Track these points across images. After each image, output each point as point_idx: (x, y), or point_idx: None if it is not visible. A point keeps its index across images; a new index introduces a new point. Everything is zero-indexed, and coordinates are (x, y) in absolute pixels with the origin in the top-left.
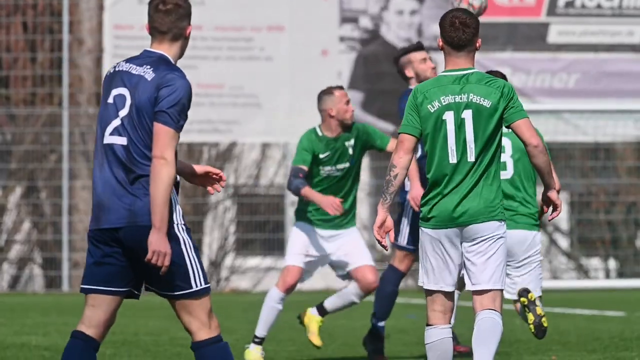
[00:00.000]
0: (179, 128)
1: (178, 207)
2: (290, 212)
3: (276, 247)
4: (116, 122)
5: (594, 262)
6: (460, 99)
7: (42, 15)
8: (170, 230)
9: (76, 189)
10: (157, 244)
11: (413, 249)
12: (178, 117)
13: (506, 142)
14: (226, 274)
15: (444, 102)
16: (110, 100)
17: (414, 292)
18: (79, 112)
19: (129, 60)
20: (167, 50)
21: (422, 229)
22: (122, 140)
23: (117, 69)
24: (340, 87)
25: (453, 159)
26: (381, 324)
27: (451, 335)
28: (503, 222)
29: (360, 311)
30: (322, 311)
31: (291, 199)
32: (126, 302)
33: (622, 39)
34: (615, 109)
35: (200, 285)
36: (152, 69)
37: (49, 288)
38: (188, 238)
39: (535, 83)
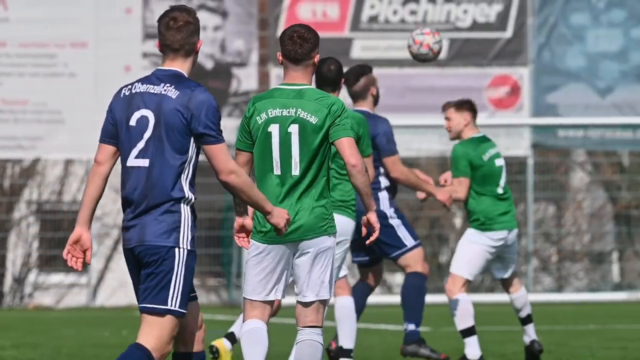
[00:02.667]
0: (223, 138)
1: (190, 229)
2: (93, 228)
3: None
4: (141, 145)
5: (398, 278)
6: (289, 113)
7: None
8: (174, 249)
9: None
10: (279, 218)
11: (420, 242)
12: (220, 129)
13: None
14: (30, 290)
15: (271, 114)
16: (133, 123)
17: (217, 307)
18: None
19: (143, 82)
20: (180, 66)
21: (253, 241)
22: (144, 163)
23: (133, 91)
24: None
25: (277, 171)
26: (418, 329)
27: (265, 328)
28: (333, 236)
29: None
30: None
31: (94, 215)
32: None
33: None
34: (419, 124)
35: (175, 306)
36: (172, 86)
37: None
38: (185, 261)
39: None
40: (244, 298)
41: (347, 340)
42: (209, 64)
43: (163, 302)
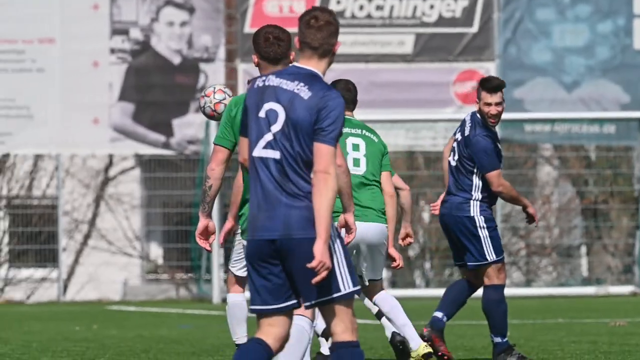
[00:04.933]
0: (336, 144)
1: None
2: (62, 223)
3: (49, 258)
4: (268, 137)
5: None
6: None
7: None
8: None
9: None
10: (323, 255)
11: (503, 257)
12: (337, 135)
13: (360, 142)
14: (0, 285)
15: None
16: (262, 114)
17: (186, 302)
18: None
19: (278, 75)
20: (315, 66)
21: (243, 241)
22: (275, 155)
23: (266, 83)
24: None
25: None
26: (505, 339)
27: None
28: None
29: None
30: None
31: (64, 210)
32: None
33: (392, 49)
34: (386, 119)
35: (349, 288)
36: (306, 86)
37: None
38: (340, 244)
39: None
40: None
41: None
42: (176, 60)
43: (337, 290)
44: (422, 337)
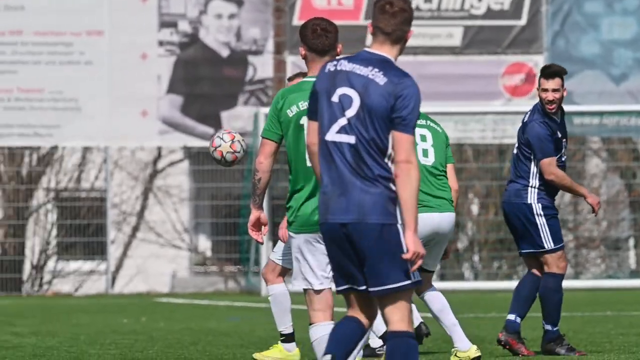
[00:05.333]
0: (414, 132)
1: (398, 205)
2: (111, 215)
3: (97, 250)
4: (342, 121)
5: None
6: None
7: None
8: (396, 226)
9: None
10: (416, 245)
11: (562, 246)
12: (415, 124)
13: (426, 132)
14: (48, 278)
15: (302, 107)
16: (335, 99)
17: (235, 294)
18: None
19: (350, 60)
20: (388, 51)
21: (290, 232)
22: (349, 139)
23: (338, 68)
24: (292, 78)
25: (309, 162)
26: (556, 328)
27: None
28: None
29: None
30: None
31: (112, 202)
32: None
33: (441, 42)
34: (434, 112)
35: (413, 277)
36: (381, 72)
37: None
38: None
39: None
40: (304, 290)
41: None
42: (224, 52)
43: (403, 279)
44: (499, 342)
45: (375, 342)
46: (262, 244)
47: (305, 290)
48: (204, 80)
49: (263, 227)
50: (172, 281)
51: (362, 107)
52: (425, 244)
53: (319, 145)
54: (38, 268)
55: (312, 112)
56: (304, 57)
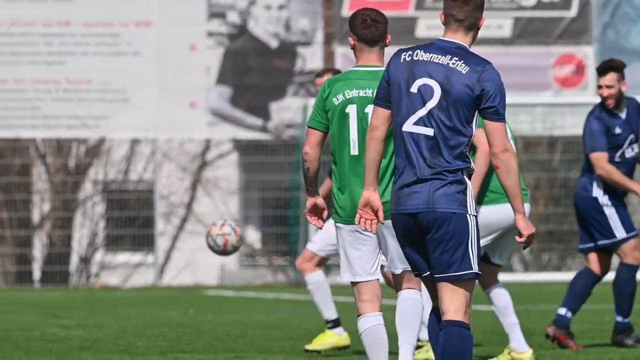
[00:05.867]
0: (505, 118)
1: (472, 196)
2: (159, 207)
3: (145, 242)
4: (422, 112)
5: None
6: (365, 93)
7: None
8: (466, 216)
9: None
10: (528, 228)
11: (635, 234)
12: (504, 110)
13: None
14: (96, 270)
15: (348, 95)
16: (414, 89)
17: (283, 286)
18: None
19: (426, 49)
20: (462, 39)
21: (336, 223)
22: (428, 131)
23: (415, 57)
24: (320, 74)
25: (354, 151)
26: (627, 320)
27: (382, 322)
28: None
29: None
30: None
31: (160, 194)
32: None
33: (491, 33)
34: None
35: (476, 269)
36: (461, 61)
37: None
38: (475, 226)
39: None
40: (352, 282)
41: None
42: (273, 43)
43: (466, 268)
44: (548, 336)
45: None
46: (321, 228)
47: (353, 282)
48: (253, 72)
49: (323, 212)
50: (220, 273)
51: (444, 97)
52: (502, 235)
53: (395, 136)
54: (85, 260)
55: (380, 99)
56: (353, 47)
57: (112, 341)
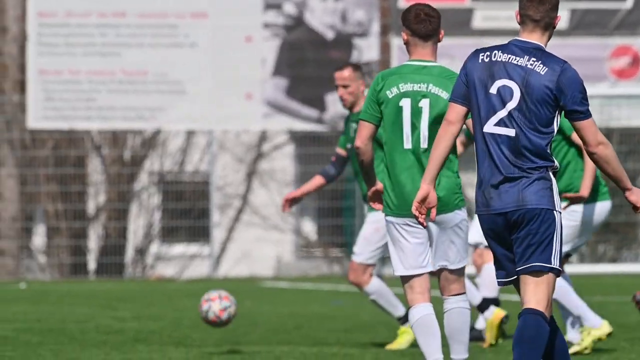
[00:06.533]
0: (590, 112)
1: (557, 193)
2: (215, 198)
3: (201, 234)
4: (502, 114)
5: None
6: (419, 87)
7: None
8: (553, 212)
9: (1, 177)
10: (637, 196)
11: None
12: (588, 105)
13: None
14: (151, 262)
15: (402, 89)
16: (494, 90)
17: (339, 278)
18: (4, 99)
19: (504, 50)
20: (538, 39)
21: (386, 217)
22: (509, 132)
23: (494, 58)
24: (341, 68)
25: (407, 144)
26: None
27: (433, 312)
28: (463, 209)
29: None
30: None
31: (216, 185)
32: (52, 289)
33: None
34: None
35: (556, 264)
36: (539, 61)
37: None
38: (560, 223)
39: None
40: (401, 276)
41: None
42: (329, 35)
43: (547, 261)
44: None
45: (480, 324)
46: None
47: (404, 276)
48: (309, 63)
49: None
50: (276, 265)
51: (524, 98)
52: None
53: (475, 137)
54: (141, 252)
55: (458, 96)
56: (406, 42)
57: (167, 333)
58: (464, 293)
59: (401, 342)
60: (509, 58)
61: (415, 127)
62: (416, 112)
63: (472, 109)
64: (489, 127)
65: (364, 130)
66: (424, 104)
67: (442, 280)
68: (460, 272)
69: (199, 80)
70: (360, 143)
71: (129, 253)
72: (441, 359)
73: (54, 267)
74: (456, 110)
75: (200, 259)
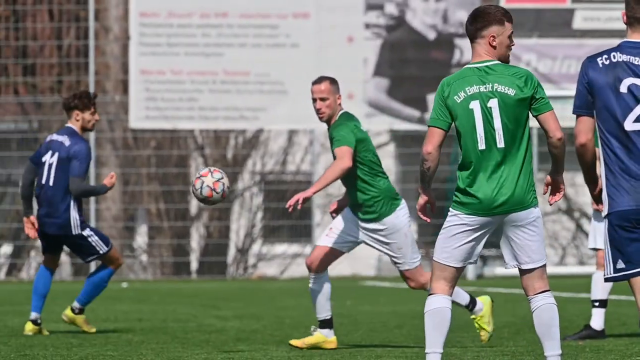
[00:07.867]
0: None
1: None
2: (316, 198)
3: (303, 233)
4: (638, 110)
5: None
6: (486, 88)
7: (68, 2)
8: None
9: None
10: None
11: None
12: None
13: None
14: (253, 261)
15: (470, 92)
16: (624, 89)
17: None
18: (106, 99)
19: (620, 51)
20: None
21: (455, 211)
22: None
23: (613, 60)
24: (318, 81)
25: (482, 145)
26: None
27: (451, 306)
28: (537, 207)
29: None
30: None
31: None
32: (153, 289)
33: (617, 25)
34: None
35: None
36: None
37: (77, 276)
38: None
39: (561, 69)
40: (436, 262)
41: None
42: (431, 35)
43: None
44: None
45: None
46: (429, 223)
47: (442, 263)
48: (410, 63)
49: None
50: (378, 264)
51: None
52: None
53: (611, 137)
54: (243, 251)
55: (583, 107)
56: (627, 23)
57: (269, 332)
58: (549, 290)
59: (484, 324)
60: (629, 58)
61: (488, 128)
62: (487, 113)
63: (601, 112)
64: (630, 125)
65: (435, 137)
66: (493, 104)
67: (525, 280)
68: (542, 270)
69: (301, 80)
70: (431, 148)
71: (231, 252)
72: (440, 355)
73: (156, 266)
74: (587, 123)
75: (301, 259)
